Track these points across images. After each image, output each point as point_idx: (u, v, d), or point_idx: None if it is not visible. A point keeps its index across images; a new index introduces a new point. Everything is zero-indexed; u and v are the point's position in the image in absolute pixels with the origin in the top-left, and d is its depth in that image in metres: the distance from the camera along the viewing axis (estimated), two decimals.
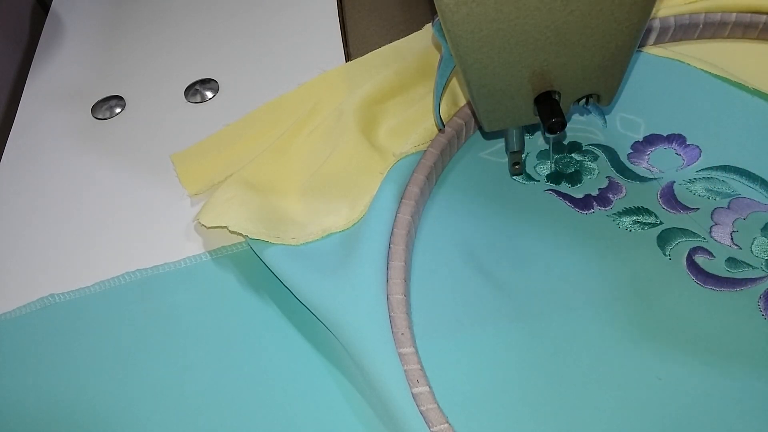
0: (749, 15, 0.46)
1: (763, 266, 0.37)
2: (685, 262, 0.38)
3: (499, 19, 0.31)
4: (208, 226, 0.42)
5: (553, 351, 0.36)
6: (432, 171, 0.43)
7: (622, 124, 0.45)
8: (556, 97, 0.36)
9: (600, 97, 0.38)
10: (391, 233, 0.40)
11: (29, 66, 0.59)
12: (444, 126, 0.44)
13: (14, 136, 0.53)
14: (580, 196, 0.42)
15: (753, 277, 0.37)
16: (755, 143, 0.42)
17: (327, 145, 0.47)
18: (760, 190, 0.40)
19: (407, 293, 0.38)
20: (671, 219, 0.40)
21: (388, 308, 0.37)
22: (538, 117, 0.37)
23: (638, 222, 0.40)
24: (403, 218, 0.40)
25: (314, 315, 0.38)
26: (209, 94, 0.53)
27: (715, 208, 0.40)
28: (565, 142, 0.45)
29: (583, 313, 0.37)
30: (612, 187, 0.42)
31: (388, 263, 0.38)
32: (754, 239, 0.38)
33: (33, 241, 0.46)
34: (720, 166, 0.42)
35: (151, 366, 0.39)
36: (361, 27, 0.57)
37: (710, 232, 0.39)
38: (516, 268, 0.39)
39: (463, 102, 0.46)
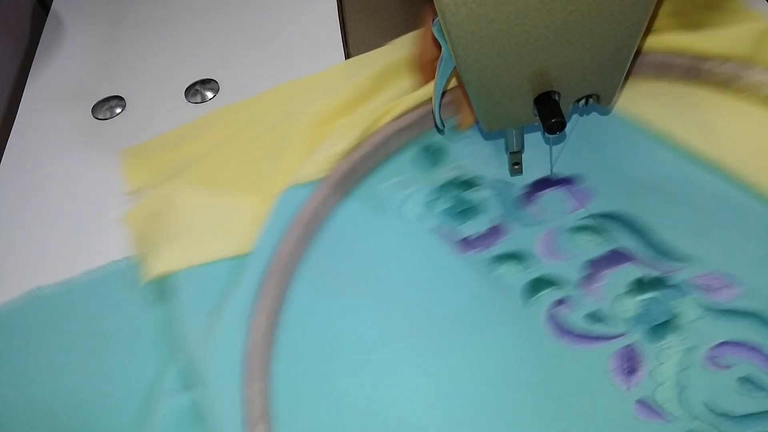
0: (661, 55, 0.45)
1: (620, 325, 0.37)
2: (546, 315, 0.37)
3: (499, 19, 0.31)
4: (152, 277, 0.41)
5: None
6: (321, 211, 0.42)
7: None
8: (556, 98, 0.36)
9: (600, 98, 0.38)
10: (270, 270, 0.39)
11: (29, 66, 0.59)
12: (444, 127, 0.44)
13: (14, 136, 0.53)
14: (463, 236, 0.41)
15: (607, 335, 0.36)
16: (654, 191, 0.41)
17: (264, 157, 0.46)
18: (641, 242, 0.39)
19: (274, 328, 0.38)
20: (545, 267, 0.39)
21: (249, 346, 0.37)
22: (537, 117, 0.37)
23: (511, 268, 0.40)
24: (283, 252, 0.40)
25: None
26: (209, 94, 0.53)
27: (591, 259, 0.39)
28: (461, 180, 0.44)
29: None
30: (497, 229, 0.41)
31: (258, 301, 0.38)
32: (617, 296, 0.38)
33: (33, 241, 0.46)
34: (606, 214, 0.41)
35: (139, 355, 0.39)
36: (361, 27, 0.57)
37: (579, 283, 0.38)
38: (388, 291, 0.40)
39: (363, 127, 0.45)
